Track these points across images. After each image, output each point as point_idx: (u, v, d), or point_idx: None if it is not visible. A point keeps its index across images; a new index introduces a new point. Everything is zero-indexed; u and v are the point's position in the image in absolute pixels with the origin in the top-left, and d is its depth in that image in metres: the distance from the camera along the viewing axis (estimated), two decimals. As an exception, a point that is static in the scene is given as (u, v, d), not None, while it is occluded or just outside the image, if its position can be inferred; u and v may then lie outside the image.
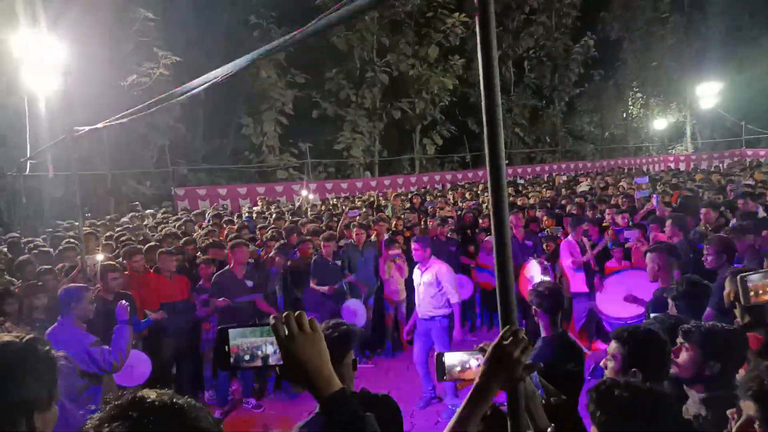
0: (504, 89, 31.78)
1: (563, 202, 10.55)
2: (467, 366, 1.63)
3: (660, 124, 36.45)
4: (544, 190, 14.48)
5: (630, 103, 37.43)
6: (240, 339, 1.23)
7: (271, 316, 1.23)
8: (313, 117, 24.63)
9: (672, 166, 28.17)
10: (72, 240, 7.40)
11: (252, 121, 22.87)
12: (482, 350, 1.52)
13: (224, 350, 1.22)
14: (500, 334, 1.43)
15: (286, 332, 1.20)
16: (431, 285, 5.74)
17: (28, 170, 11.97)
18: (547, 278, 6.00)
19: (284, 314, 1.22)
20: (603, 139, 36.65)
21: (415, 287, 5.98)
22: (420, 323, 5.90)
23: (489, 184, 1.44)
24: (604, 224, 7.88)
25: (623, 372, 2.20)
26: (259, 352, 1.23)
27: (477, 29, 1.42)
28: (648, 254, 4.36)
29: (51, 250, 7.17)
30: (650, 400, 1.74)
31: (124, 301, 4.14)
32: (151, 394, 1.03)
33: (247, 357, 1.23)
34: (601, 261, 6.94)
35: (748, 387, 1.64)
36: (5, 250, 7.72)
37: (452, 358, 1.66)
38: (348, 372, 2.26)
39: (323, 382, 1.21)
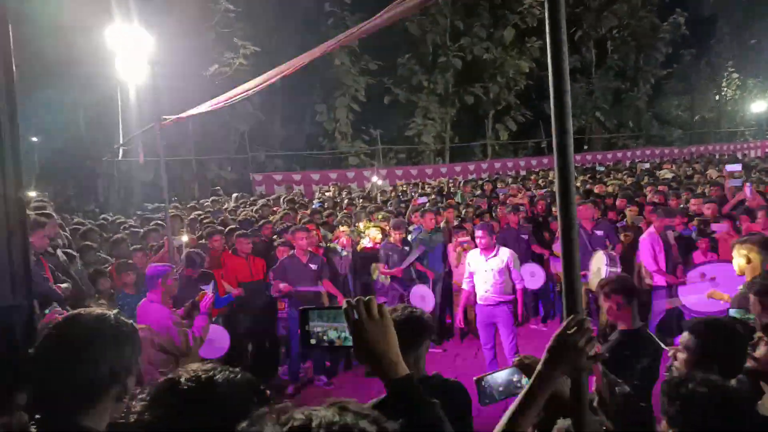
0: (585, 71, 30.44)
1: (645, 190, 10.03)
2: (518, 384, 1.61)
3: (758, 106, 33.66)
4: (625, 177, 13.81)
5: (724, 84, 34.75)
6: (318, 320, 1.32)
7: (345, 301, 1.30)
8: (384, 103, 24.75)
9: (771, 152, 25.99)
10: (159, 222, 7.93)
11: (326, 108, 23.32)
12: (522, 362, 1.50)
13: (305, 329, 1.33)
14: (565, 322, 1.42)
15: (356, 317, 1.26)
16: (499, 272, 5.70)
17: (120, 156, 12.87)
18: (615, 270, 5.79)
19: (355, 299, 1.28)
20: (693, 124, 34.35)
21: (475, 274, 5.90)
22: (482, 310, 5.84)
23: (555, 170, 1.41)
24: (689, 214, 7.44)
25: (695, 364, 2.11)
26: (335, 334, 1.31)
27: (545, 10, 1.39)
28: (736, 246, 4.07)
29: (140, 230, 7.71)
30: (723, 396, 1.66)
31: (209, 294, 4.27)
32: (185, 376, 1.11)
33: (324, 337, 1.32)
34: (686, 252, 6.56)
35: None
36: (99, 229, 8.36)
37: (492, 381, 1.64)
38: (420, 360, 2.29)
39: (390, 366, 1.26)
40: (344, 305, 1.29)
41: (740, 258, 3.97)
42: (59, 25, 13.29)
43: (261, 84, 3.92)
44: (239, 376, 1.16)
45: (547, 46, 1.41)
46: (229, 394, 1.09)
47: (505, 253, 5.82)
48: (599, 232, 7.04)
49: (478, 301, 5.87)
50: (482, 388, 1.63)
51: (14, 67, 1.86)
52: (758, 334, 2.31)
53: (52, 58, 14.47)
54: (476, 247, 6.52)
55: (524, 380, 1.51)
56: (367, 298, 1.30)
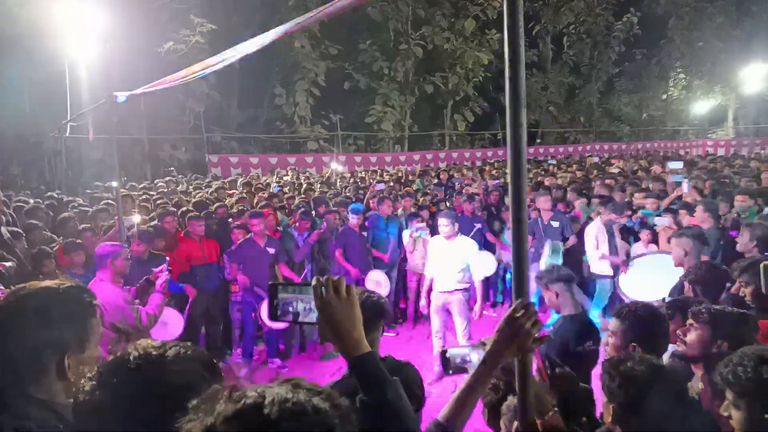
0: (541, 66, 31.07)
1: (593, 183, 10.41)
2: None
3: (701, 107, 35.19)
4: (575, 170, 14.26)
5: (671, 84, 36.13)
6: (285, 294, 1.37)
7: (314, 278, 1.34)
8: (344, 89, 24.58)
9: (711, 151, 27.30)
10: (109, 201, 7.69)
11: (285, 92, 22.96)
12: (483, 344, 1.59)
13: (273, 303, 1.36)
14: (513, 306, 1.50)
15: (324, 294, 1.30)
16: (457, 261, 5.81)
17: (68, 132, 12.34)
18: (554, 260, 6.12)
19: (325, 277, 1.32)
20: (640, 121, 35.62)
21: (434, 260, 5.99)
22: (437, 297, 5.94)
23: (509, 162, 1.48)
24: (633, 207, 7.78)
25: (623, 347, 2.27)
26: (301, 307, 1.36)
27: (505, 3, 1.44)
28: (674, 239, 4.32)
29: (90, 209, 7.47)
30: (659, 373, 1.80)
31: (165, 273, 4.18)
32: (134, 353, 1.11)
33: (290, 310, 1.36)
34: (627, 243, 6.89)
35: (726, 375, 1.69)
36: (45, 208, 8.04)
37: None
38: (377, 341, 2.37)
39: (353, 343, 1.30)
40: (314, 282, 1.32)
41: (679, 249, 4.23)
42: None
43: (217, 63, 3.85)
44: (190, 351, 1.16)
45: (504, 39, 1.47)
46: (180, 371, 1.09)
47: (465, 242, 5.92)
48: (555, 224, 7.27)
49: (435, 287, 5.95)
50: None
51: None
52: (689, 321, 2.48)
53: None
54: (433, 234, 6.66)
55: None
56: (337, 277, 1.34)
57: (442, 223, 5.88)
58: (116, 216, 5.70)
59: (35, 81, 15.46)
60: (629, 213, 7.38)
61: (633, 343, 2.27)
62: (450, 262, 5.83)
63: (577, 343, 3.14)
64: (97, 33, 11.70)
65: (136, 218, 5.94)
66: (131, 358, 1.10)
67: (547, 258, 6.52)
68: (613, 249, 6.59)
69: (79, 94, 12.94)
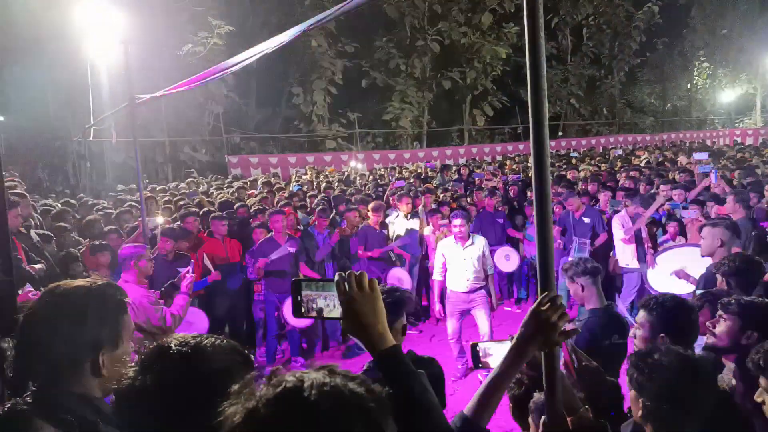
0: (561, 58, 30.69)
1: (619, 176, 10.24)
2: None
3: (727, 96, 34.44)
4: (599, 163, 14.06)
5: (695, 73, 35.42)
6: (309, 291, 1.36)
7: (337, 274, 1.33)
8: (362, 87, 24.59)
9: (738, 140, 26.66)
10: (132, 203, 7.81)
11: (302, 91, 23.05)
12: (513, 339, 1.56)
13: (297, 300, 1.36)
14: (538, 299, 1.47)
15: (347, 289, 1.30)
16: (475, 260, 5.75)
17: (92, 136, 12.56)
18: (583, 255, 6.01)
19: (348, 273, 1.32)
20: (664, 112, 35.01)
21: (449, 263, 5.86)
22: (455, 298, 5.82)
23: (532, 155, 1.46)
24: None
25: (652, 339, 2.22)
26: (324, 303, 1.36)
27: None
28: (706, 228, 4.21)
29: (114, 212, 7.59)
30: (687, 364, 1.76)
31: (190, 274, 4.24)
32: (175, 342, 1.14)
33: (314, 307, 1.36)
34: (655, 236, 6.75)
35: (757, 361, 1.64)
36: (72, 211, 8.20)
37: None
38: (397, 336, 2.36)
39: (377, 338, 1.30)
40: (337, 277, 1.32)
41: (710, 240, 4.12)
42: (27, 1, 12.83)
43: (237, 64, 3.87)
44: (225, 341, 1.19)
45: (524, 32, 1.45)
46: (219, 358, 1.12)
47: (480, 241, 5.86)
48: (586, 219, 7.09)
49: (452, 289, 5.83)
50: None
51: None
52: (719, 313, 2.43)
53: (19, 36, 13.99)
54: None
55: None
56: (359, 272, 1.34)
57: (456, 223, 5.77)
58: (140, 218, 5.79)
59: (58, 84, 15.76)
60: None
61: (662, 335, 2.22)
62: (465, 262, 5.74)
63: (604, 337, 3.08)
64: (118, 35, 11.88)
65: (159, 219, 6.02)
66: (172, 345, 1.13)
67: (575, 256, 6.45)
68: (640, 241, 6.47)
69: (101, 96, 13.16)
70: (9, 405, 1.11)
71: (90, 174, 16.96)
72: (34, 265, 4.30)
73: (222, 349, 1.15)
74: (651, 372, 1.76)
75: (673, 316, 2.33)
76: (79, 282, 1.52)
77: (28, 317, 1.45)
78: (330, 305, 1.35)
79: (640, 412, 1.80)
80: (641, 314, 2.37)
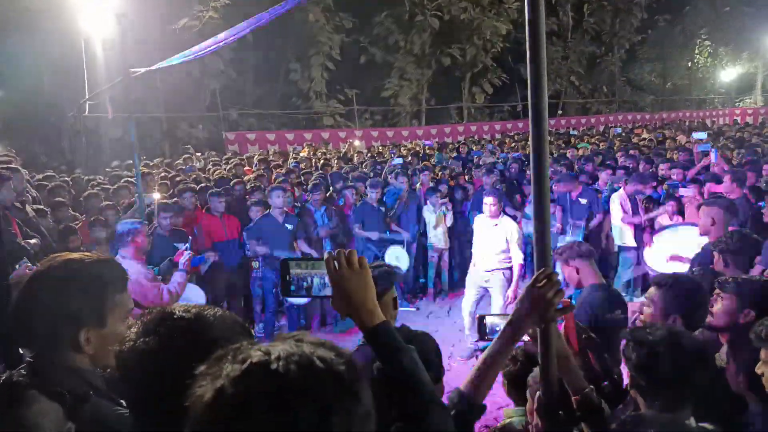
0: (561, 35, 30.32)
1: (617, 155, 10.21)
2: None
3: (728, 75, 34.19)
4: (598, 141, 14.00)
5: (696, 51, 35.06)
6: (298, 270, 1.37)
7: (326, 252, 1.35)
8: (360, 63, 24.31)
9: (738, 120, 26.55)
10: (129, 179, 7.77)
11: (300, 66, 22.79)
12: None
13: (286, 279, 1.37)
14: (534, 275, 1.47)
15: (337, 267, 1.30)
16: (499, 241, 5.74)
17: (87, 111, 12.43)
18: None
19: (336, 251, 1.33)
20: (664, 90, 34.73)
21: (476, 237, 5.92)
22: (476, 274, 5.89)
23: (530, 133, 1.45)
24: (659, 178, 7.62)
25: (661, 317, 2.22)
26: (314, 281, 1.36)
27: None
28: (703, 207, 4.21)
29: (110, 188, 7.56)
30: (672, 338, 1.77)
31: (187, 251, 4.23)
32: (178, 310, 1.15)
33: (303, 285, 1.37)
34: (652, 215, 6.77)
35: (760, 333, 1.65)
36: (68, 187, 8.16)
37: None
38: (388, 309, 2.36)
39: (367, 314, 1.30)
40: (326, 256, 1.33)
41: (707, 218, 4.13)
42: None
43: (232, 36, 3.82)
44: (226, 313, 1.20)
45: (524, 7, 1.42)
46: (219, 327, 1.13)
47: (508, 224, 5.84)
48: (583, 200, 7.06)
49: (473, 263, 5.92)
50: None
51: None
52: (716, 291, 2.43)
53: (12, 9, 13.74)
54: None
55: None
56: (348, 250, 1.34)
57: (488, 201, 5.79)
58: (136, 194, 5.77)
59: (52, 58, 15.54)
60: (654, 184, 7.22)
61: (672, 315, 2.22)
62: (492, 241, 5.76)
63: (604, 312, 3.09)
64: (113, 8, 11.69)
65: (156, 195, 6.00)
66: (176, 311, 1.14)
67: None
68: (638, 220, 6.48)
69: (96, 71, 12.99)
70: (5, 376, 1.12)
71: (86, 149, 16.82)
72: (29, 240, 4.28)
73: (223, 319, 1.16)
74: (635, 344, 1.78)
75: (687, 297, 2.31)
76: (74, 255, 1.51)
77: (23, 288, 1.45)
78: (320, 284, 1.36)
79: (629, 382, 1.83)
80: (653, 291, 2.35)
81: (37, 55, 15.49)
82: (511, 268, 5.79)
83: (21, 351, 1.54)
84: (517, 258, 5.75)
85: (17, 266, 3.25)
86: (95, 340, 1.42)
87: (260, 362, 0.77)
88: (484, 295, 5.92)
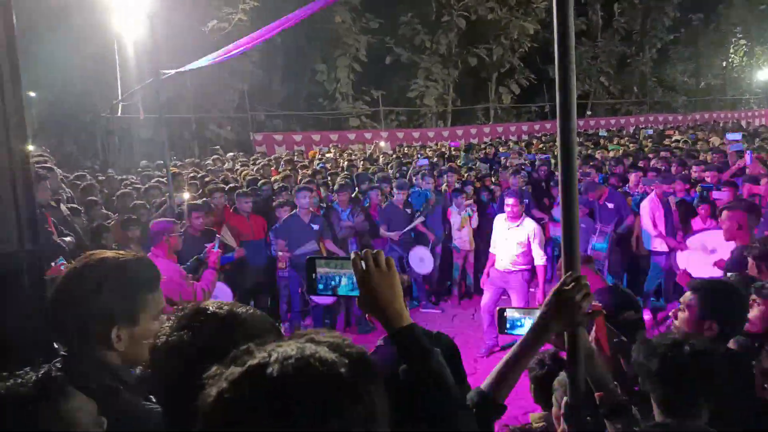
0: (590, 35, 29.86)
1: (649, 156, 10.00)
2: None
3: (765, 74, 33.15)
4: (628, 143, 13.74)
5: (731, 50, 34.12)
6: (325, 269, 1.36)
7: (353, 252, 1.33)
8: (386, 64, 24.32)
9: (775, 121, 25.77)
10: (160, 179, 7.93)
11: (326, 67, 22.92)
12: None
13: (312, 277, 1.36)
14: (562, 278, 1.45)
15: (364, 267, 1.30)
16: (521, 242, 5.70)
17: (119, 112, 12.71)
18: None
19: (363, 251, 1.32)
20: (697, 91, 33.88)
21: (498, 239, 5.89)
22: (496, 273, 5.87)
23: (558, 134, 1.44)
24: (692, 180, 7.43)
25: (697, 323, 2.15)
26: (340, 281, 1.36)
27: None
28: (725, 212, 4.10)
29: (141, 187, 7.73)
30: (698, 353, 1.71)
31: (216, 249, 4.29)
32: (212, 306, 1.17)
33: (330, 284, 1.36)
34: (686, 218, 6.59)
35: None
36: (100, 185, 8.37)
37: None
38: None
39: (394, 315, 1.30)
40: (353, 255, 1.32)
41: (730, 223, 4.02)
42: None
43: (261, 37, 3.86)
44: (257, 311, 1.22)
45: (553, 7, 1.40)
46: (251, 324, 1.15)
47: (530, 225, 5.79)
48: (610, 205, 6.89)
49: (494, 265, 5.89)
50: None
51: (14, 18, 1.85)
52: (752, 297, 2.37)
53: (48, 12, 14.14)
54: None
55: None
56: (375, 250, 1.33)
57: (509, 202, 5.75)
58: (167, 193, 5.88)
59: (86, 59, 15.90)
60: (687, 186, 7.04)
61: (708, 321, 2.14)
62: (512, 242, 5.72)
63: (618, 313, 3.03)
64: (144, 8, 11.96)
65: (186, 195, 6.10)
66: (209, 307, 1.16)
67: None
68: (670, 224, 6.30)
69: (128, 72, 13.27)
70: (44, 371, 1.16)
71: (118, 149, 17.22)
72: (64, 238, 4.40)
73: (254, 317, 1.18)
74: (661, 360, 1.72)
75: (726, 303, 2.21)
76: (109, 253, 1.54)
77: (59, 285, 1.49)
78: (346, 283, 1.35)
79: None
80: (688, 296, 2.28)
81: (71, 55, 15.89)
82: (530, 270, 5.75)
83: (56, 346, 1.58)
84: (540, 259, 5.70)
85: (53, 264, 3.34)
86: (126, 338, 1.45)
87: (258, 365, 0.76)
88: (504, 296, 5.88)
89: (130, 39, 13.33)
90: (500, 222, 5.93)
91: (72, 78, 16.79)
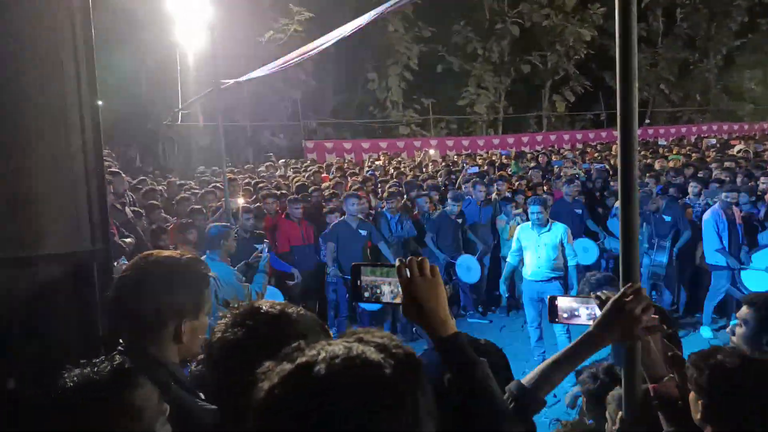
0: (651, 41, 28.89)
1: (712, 166, 9.54)
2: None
3: (839, 81, 31.06)
4: (689, 152, 13.17)
5: (803, 56, 32.16)
6: (370, 276, 1.37)
7: (398, 259, 1.33)
8: (437, 72, 24.29)
9: None
10: (216, 185, 8.20)
11: (377, 76, 23.12)
12: (598, 298, 1.49)
13: (357, 284, 1.37)
14: (621, 290, 1.41)
15: (408, 275, 1.30)
16: (552, 247, 5.59)
17: (179, 120, 13.24)
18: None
19: (408, 258, 1.32)
20: (765, 98, 32.11)
21: (526, 249, 5.76)
22: (530, 286, 5.72)
23: (618, 143, 1.41)
24: (759, 192, 7.05)
25: (753, 338, 2.04)
26: (385, 289, 1.36)
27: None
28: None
29: (199, 192, 8.01)
30: (753, 367, 1.62)
31: (266, 253, 4.42)
32: (265, 305, 1.22)
33: (375, 292, 1.36)
34: (752, 233, 6.25)
35: None
36: (162, 190, 8.72)
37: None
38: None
39: (439, 323, 1.29)
40: (397, 263, 1.32)
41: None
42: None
43: (315, 49, 3.94)
44: (307, 312, 1.26)
45: (610, 13, 1.38)
46: (302, 324, 1.19)
47: (559, 229, 5.67)
48: (667, 218, 6.65)
49: (526, 277, 5.75)
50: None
51: (92, 27, 1.96)
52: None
53: (116, 24, 14.93)
54: (528, 220, 6.41)
55: (596, 312, 1.50)
56: (420, 258, 1.33)
57: (534, 210, 5.65)
58: (222, 198, 6.07)
59: (149, 69, 16.71)
60: (753, 199, 6.68)
61: (766, 336, 2.04)
62: (542, 250, 5.60)
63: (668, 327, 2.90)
64: (205, 21, 12.44)
65: (240, 200, 6.28)
66: (263, 307, 1.21)
67: None
68: (735, 238, 5.98)
69: (188, 81, 13.83)
70: (118, 362, 1.24)
71: (178, 156, 17.92)
72: (125, 239, 4.61)
73: (305, 318, 1.22)
74: (711, 373, 1.63)
75: None
76: (169, 252, 1.63)
77: (121, 280, 1.56)
78: (391, 290, 1.34)
79: (699, 414, 1.68)
80: (745, 311, 2.17)
81: (137, 65, 16.73)
82: (563, 276, 5.63)
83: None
84: (573, 259, 5.63)
85: (115, 263, 3.50)
86: (189, 331, 1.53)
87: (306, 363, 0.77)
88: (543, 308, 5.73)
89: (190, 50, 13.92)
90: (527, 232, 5.77)
91: (137, 87, 17.65)
